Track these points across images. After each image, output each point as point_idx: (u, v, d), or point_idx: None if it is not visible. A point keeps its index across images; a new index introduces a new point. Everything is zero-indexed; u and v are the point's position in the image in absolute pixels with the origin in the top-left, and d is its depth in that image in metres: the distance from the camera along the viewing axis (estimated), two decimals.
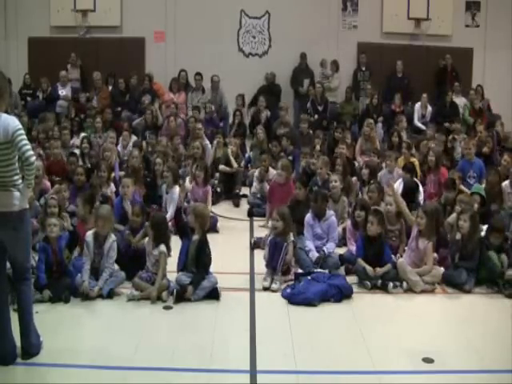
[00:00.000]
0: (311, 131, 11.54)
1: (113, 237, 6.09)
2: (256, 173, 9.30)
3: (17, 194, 4.40)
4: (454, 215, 6.96)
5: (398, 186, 8.40)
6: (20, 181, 4.44)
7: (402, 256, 6.62)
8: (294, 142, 10.87)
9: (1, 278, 4.60)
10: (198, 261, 5.96)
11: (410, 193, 7.87)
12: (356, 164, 10.15)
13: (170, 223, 7.52)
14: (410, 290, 6.18)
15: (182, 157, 9.94)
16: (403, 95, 13.05)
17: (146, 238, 6.18)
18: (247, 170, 10.34)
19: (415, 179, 8.45)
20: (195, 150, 9.46)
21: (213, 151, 10.25)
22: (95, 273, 5.95)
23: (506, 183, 8.09)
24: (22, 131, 4.39)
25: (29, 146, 4.38)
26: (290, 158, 10.09)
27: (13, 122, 4.37)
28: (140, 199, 7.72)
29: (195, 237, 6.05)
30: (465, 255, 6.37)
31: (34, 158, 4.40)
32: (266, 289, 6.14)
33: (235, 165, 9.92)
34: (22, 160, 4.37)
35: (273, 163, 9.23)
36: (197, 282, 5.82)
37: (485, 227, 6.81)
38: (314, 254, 6.70)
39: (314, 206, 7.03)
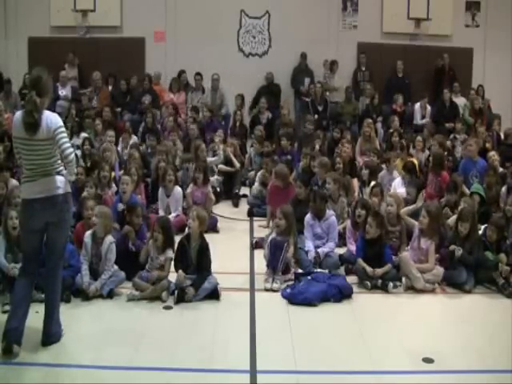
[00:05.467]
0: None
1: (110, 238, 6.05)
2: (259, 174, 9.28)
3: (61, 178, 4.71)
4: (454, 217, 6.94)
5: (397, 185, 8.43)
6: (62, 167, 4.75)
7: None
8: (293, 142, 10.86)
9: (34, 262, 4.78)
10: (199, 265, 5.96)
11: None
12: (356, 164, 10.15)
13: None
14: (410, 289, 6.19)
15: (180, 157, 9.90)
16: (403, 95, 13.05)
17: (150, 241, 6.12)
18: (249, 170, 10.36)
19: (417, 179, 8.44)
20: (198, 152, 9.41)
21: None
22: (94, 274, 5.94)
23: (503, 190, 8.08)
24: (63, 129, 4.67)
25: (68, 144, 4.67)
26: (289, 157, 10.10)
27: (55, 120, 4.64)
28: (141, 200, 7.73)
29: (194, 242, 6.03)
30: (464, 253, 6.35)
31: (72, 155, 4.69)
32: (267, 290, 6.14)
33: (237, 164, 9.92)
34: (62, 157, 4.65)
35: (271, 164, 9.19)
36: (198, 284, 5.82)
37: (483, 227, 6.82)
38: (313, 255, 6.71)
39: (313, 205, 7.05)
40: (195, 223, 6.06)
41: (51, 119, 4.62)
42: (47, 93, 4.70)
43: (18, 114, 4.69)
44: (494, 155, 9.01)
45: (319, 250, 6.77)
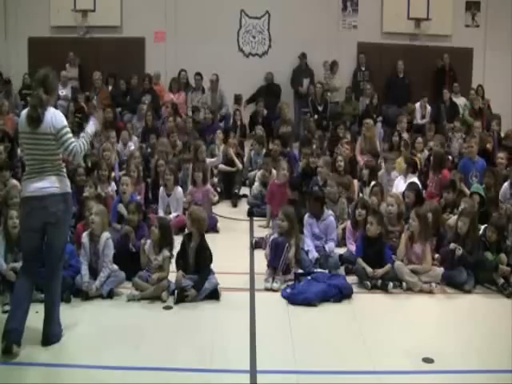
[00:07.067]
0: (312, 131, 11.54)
1: (107, 234, 6.05)
2: (259, 174, 9.28)
3: (62, 178, 4.78)
4: (454, 218, 6.93)
5: (398, 185, 8.42)
6: (64, 169, 4.83)
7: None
8: (289, 143, 10.84)
9: (34, 262, 4.80)
10: (198, 266, 5.97)
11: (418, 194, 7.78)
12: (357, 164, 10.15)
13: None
14: (409, 289, 6.19)
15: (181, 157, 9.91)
16: (403, 95, 13.05)
17: (148, 241, 6.14)
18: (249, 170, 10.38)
19: (415, 180, 8.41)
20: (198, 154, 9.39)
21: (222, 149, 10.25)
22: (93, 273, 5.94)
23: (505, 185, 8.07)
24: (68, 129, 4.76)
25: (72, 139, 4.75)
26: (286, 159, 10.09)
27: (60, 119, 4.72)
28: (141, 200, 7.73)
29: (194, 242, 6.04)
30: (464, 252, 6.34)
31: (76, 147, 4.73)
32: (267, 289, 6.14)
33: (240, 164, 9.92)
34: (66, 154, 4.77)
35: (271, 163, 9.20)
36: (200, 285, 5.81)
37: (483, 227, 6.81)
38: (314, 255, 6.71)
39: (309, 206, 7.07)
40: (188, 222, 6.16)
41: (56, 118, 4.70)
42: (53, 91, 4.82)
43: (25, 111, 4.78)
44: (502, 158, 8.91)
45: (326, 247, 6.78)
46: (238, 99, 13.20)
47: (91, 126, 5.05)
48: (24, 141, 4.75)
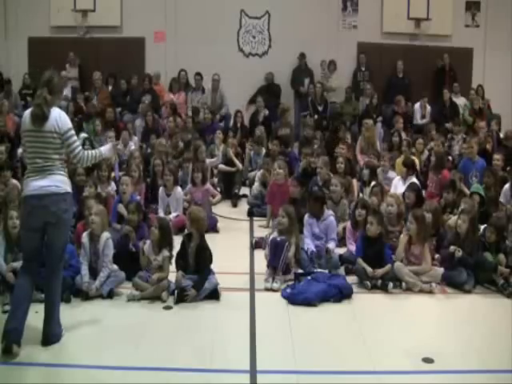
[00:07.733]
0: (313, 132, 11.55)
1: (107, 234, 6.06)
2: (259, 174, 9.29)
3: (63, 178, 4.79)
4: (454, 218, 6.93)
5: (397, 185, 8.43)
6: (66, 169, 4.86)
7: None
8: (289, 144, 10.83)
9: (34, 262, 4.80)
10: (198, 266, 5.97)
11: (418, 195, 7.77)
12: (357, 164, 10.17)
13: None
14: (409, 289, 6.19)
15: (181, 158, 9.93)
16: (403, 95, 13.05)
17: (147, 242, 6.14)
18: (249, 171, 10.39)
19: (415, 181, 8.41)
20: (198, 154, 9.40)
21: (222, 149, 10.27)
22: (93, 272, 5.94)
23: (506, 187, 8.05)
24: (73, 132, 4.83)
25: (78, 143, 4.86)
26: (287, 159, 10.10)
27: (65, 120, 4.77)
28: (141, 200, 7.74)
29: (193, 242, 6.05)
30: (464, 254, 6.34)
31: (80, 154, 4.83)
32: (267, 289, 6.14)
33: (240, 165, 9.93)
34: (70, 158, 4.87)
35: (271, 164, 9.21)
36: (200, 286, 5.81)
37: (483, 227, 6.81)
38: (310, 247, 6.69)
39: (309, 206, 7.07)
40: (187, 222, 6.16)
41: (61, 118, 4.74)
42: (58, 92, 4.86)
43: (28, 110, 4.81)
44: (498, 160, 8.93)
45: (329, 245, 6.77)
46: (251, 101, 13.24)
47: (106, 151, 5.13)
48: (27, 139, 4.75)
